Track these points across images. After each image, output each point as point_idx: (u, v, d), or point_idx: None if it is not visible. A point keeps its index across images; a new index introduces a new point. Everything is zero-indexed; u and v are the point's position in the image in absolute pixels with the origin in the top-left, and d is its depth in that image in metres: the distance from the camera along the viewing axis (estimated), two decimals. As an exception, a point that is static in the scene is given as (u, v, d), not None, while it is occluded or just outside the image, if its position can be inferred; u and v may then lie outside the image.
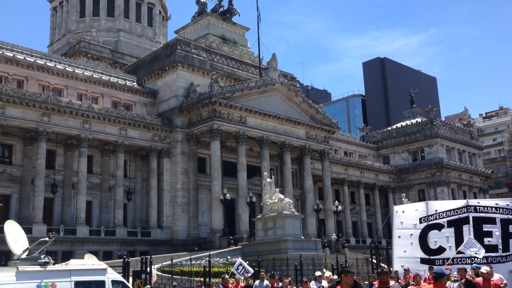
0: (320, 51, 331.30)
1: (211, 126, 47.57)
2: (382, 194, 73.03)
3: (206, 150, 50.39)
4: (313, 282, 14.53)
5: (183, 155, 49.50)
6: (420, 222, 19.50)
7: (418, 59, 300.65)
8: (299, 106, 55.71)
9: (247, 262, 33.00)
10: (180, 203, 48.43)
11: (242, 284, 16.67)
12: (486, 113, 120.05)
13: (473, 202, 19.80)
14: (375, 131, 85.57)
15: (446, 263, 17.14)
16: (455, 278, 14.02)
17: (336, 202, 55.05)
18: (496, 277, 14.21)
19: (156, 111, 52.65)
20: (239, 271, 17.85)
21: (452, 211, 19.26)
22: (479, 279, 12.04)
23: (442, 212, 19.38)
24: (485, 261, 17.77)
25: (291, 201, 39.81)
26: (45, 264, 17.08)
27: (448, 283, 12.82)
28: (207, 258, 30.43)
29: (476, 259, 18.02)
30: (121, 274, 22.13)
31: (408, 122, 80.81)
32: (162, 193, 48.44)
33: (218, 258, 34.57)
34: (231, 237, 44.12)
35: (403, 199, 48.17)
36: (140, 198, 49.17)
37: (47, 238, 18.58)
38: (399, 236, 19.82)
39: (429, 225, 19.26)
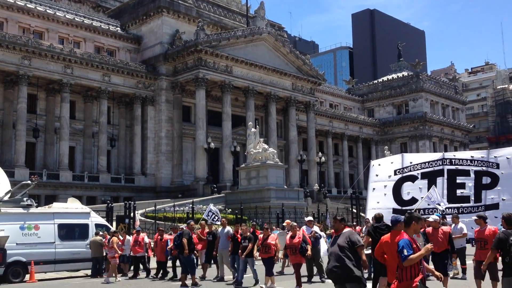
0: (309, 1, 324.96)
1: (197, 74, 47.01)
2: (365, 146, 73.87)
3: (191, 99, 50.01)
4: (304, 226, 14.83)
5: (168, 103, 49.11)
6: (395, 174, 19.68)
7: (408, 12, 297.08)
8: (286, 56, 55.15)
9: (230, 210, 33.65)
10: (164, 151, 48.50)
11: (206, 230, 16.88)
12: (472, 68, 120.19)
13: (449, 155, 20.09)
14: (361, 84, 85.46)
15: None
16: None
17: (320, 154, 55.61)
18: (458, 225, 14.52)
19: (140, 57, 51.68)
20: (209, 217, 18.06)
21: (427, 164, 19.44)
22: (429, 229, 12.26)
23: (417, 164, 19.56)
24: (456, 211, 18.14)
25: (275, 151, 40.14)
26: (28, 206, 17.21)
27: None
28: (191, 205, 30.94)
29: (447, 209, 18.47)
30: (105, 219, 22.44)
31: (394, 76, 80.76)
32: (146, 140, 48.36)
33: (201, 205, 35.02)
34: (215, 186, 44.60)
35: (385, 151, 48.92)
36: (124, 145, 49.05)
37: (29, 181, 18.67)
38: (374, 189, 20.11)
39: (404, 177, 19.43)
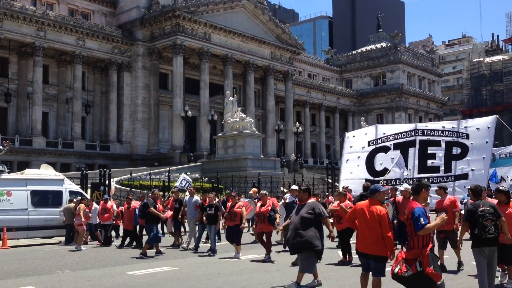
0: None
1: (174, 41, 46.14)
2: (342, 117, 74.32)
3: (168, 66, 49.21)
4: (288, 195, 14.77)
5: (145, 70, 48.23)
6: (369, 145, 19.80)
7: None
8: (265, 25, 54.47)
9: (206, 178, 33.65)
10: (141, 118, 47.89)
11: (173, 197, 16.76)
12: (449, 41, 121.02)
13: (421, 125, 20.06)
14: (340, 54, 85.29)
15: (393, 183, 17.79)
16: (386, 197, 14.44)
17: (297, 124, 55.73)
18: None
19: (116, 22, 50.32)
20: (183, 185, 17.99)
21: (400, 134, 19.50)
22: (399, 197, 12.37)
23: (390, 135, 19.64)
24: (427, 181, 18.69)
25: (253, 120, 40.03)
26: (0, 172, 16.86)
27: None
28: (167, 173, 30.77)
29: (417, 180, 18.81)
30: (79, 186, 22.18)
31: (372, 47, 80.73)
32: (122, 107, 47.60)
33: (178, 174, 34.82)
34: (191, 154, 44.44)
35: (362, 122, 49.25)
36: (99, 112, 48.22)
37: (0, 147, 18.24)
38: (347, 160, 20.23)
39: (377, 148, 19.56)
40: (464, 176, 18.18)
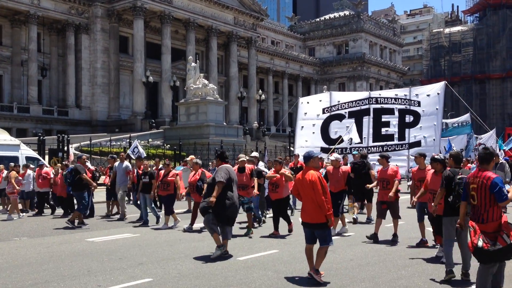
0: None
1: (134, 3, 44.72)
2: (305, 85, 74.61)
3: (129, 29, 47.80)
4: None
5: (104, 33, 46.68)
6: (323, 113, 19.77)
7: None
8: (228, -12, 53.47)
9: (168, 146, 33.35)
10: (100, 83, 46.64)
11: (109, 165, 15.95)
12: (410, 11, 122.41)
13: (375, 93, 20.21)
14: (304, 21, 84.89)
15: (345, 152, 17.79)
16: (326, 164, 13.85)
17: (260, 91, 55.58)
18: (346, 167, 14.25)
19: (73, -19, 48.17)
20: (135, 153, 17.60)
21: (354, 102, 19.54)
22: (330, 167, 11.63)
23: (345, 103, 19.65)
24: (381, 149, 18.38)
25: (215, 87, 39.68)
26: (-50, 137, 16.18)
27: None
28: (128, 140, 30.32)
29: (372, 148, 18.96)
30: (36, 152, 21.58)
31: (336, 15, 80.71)
32: (80, 71, 46.14)
33: (139, 141, 34.41)
34: (153, 121, 43.83)
35: (324, 91, 49.55)
36: (56, 76, 46.61)
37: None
38: (302, 127, 20.15)
39: (331, 116, 19.58)
40: (417, 144, 18.47)
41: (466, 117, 28.27)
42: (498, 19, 77.67)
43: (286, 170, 11.51)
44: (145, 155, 17.61)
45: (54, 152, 23.35)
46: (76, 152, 27.84)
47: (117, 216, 14.41)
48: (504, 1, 76.52)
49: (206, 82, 37.89)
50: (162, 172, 12.62)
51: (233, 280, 6.88)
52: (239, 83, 58.41)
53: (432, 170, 8.15)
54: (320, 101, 20.36)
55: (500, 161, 15.34)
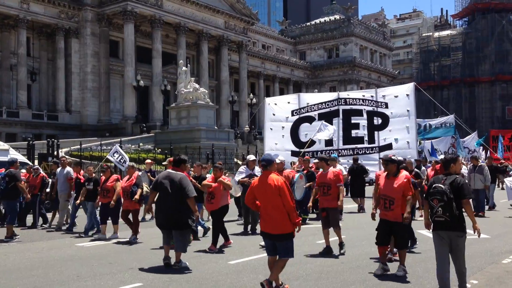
0: None
1: (125, 7, 44.62)
2: (296, 89, 74.57)
3: (119, 33, 47.66)
4: (243, 167, 12.52)
5: (94, 37, 46.51)
6: (292, 115, 19.25)
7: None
8: (219, -7, 53.53)
9: (159, 150, 33.23)
10: (90, 87, 46.41)
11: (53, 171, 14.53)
12: (400, 15, 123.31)
13: (343, 94, 19.74)
14: (294, 25, 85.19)
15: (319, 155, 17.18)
16: (298, 169, 13.87)
17: (251, 95, 55.62)
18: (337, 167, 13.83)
19: (62, -15, 47.97)
20: (115, 158, 15.89)
21: (324, 104, 19.10)
22: (320, 171, 10.43)
23: (314, 105, 19.21)
24: (352, 152, 18.11)
25: (206, 91, 39.64)
26: None
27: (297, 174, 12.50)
28: (118, 144, 30.15)
29: (343, 151, 18.32)
30: (26, 157, 21.39)
31: (326, 19, 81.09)
32: (70, 75, 45.89)
33: (130, 145, 34.35)
34: (144, 125, 43.68)
35: (315, 94, 49.74)
36: (46, 80, 46.32)
37: None
38: (271, 129, 19.58)
39: (301, 118, 19.11)
40: (388, 147, 18.00)
41: (449, 118, 27.95)
42: (486, 23, 78.41)
43: (225, 178, 10.26)
44: (128, 160, 16.07)
45: (44, 157, 23.16)
46: (67, 156, 27.66)
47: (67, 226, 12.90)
48: (492, 5, 77.27)
49: (197, 86, 37.87)
50: (103, 177, 11.49)
51: (223, 284, 6.86)
52: (230, 87, 58.41)
53: (385, 173, 7.41)
54: (289, 103, 19.84)
55: (479, 164, 15.37)
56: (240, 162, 16.32)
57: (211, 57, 57.19)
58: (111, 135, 41.46)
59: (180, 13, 49.38)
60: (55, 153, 23.11)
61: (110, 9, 46.01)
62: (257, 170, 11.70)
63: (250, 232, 11.66)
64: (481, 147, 29.86)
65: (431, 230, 5.93)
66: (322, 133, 17.51)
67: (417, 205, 9.66)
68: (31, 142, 23.80)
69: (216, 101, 52.07)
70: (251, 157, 12.50)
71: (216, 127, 39.57)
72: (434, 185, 5.78)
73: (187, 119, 37.03)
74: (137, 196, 10.50)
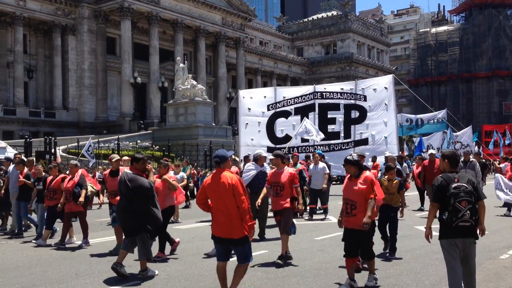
0: None
1: (121, 4, 44.49)
2: (293, 85, 74.50)
3: (116, 30, 47.52)
4: (252, 163, 11.31)
5: (91, 34, 46.37)
6: (268, 110, 18.58)
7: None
8: (216, -11, 53.43)
9: (157, 147, 33.18)
10: (88, 84, 46.32)
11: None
12: (397, 11, 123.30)
13: (319, 87, 18.90)
14: (292, 22, 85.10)
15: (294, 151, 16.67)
16: (310, 163, 13.75)
17: (249, 91, 55.61)
18: (320, 165, 13.38)
19: (59, -18, 47.79)
20: (89, 153, 16.12)
21: (300, 98, 18.40)
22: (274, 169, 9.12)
23: (290, 99, 18.51)
24: (327, 148, 17.39)
25: (204, 88, 39.60)
26: None
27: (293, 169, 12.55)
28: (116, 141, 30.13)
29: (319, 147, 17.47)
30: (23, 154, 21.35)
31: (324, 15, 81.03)
32: (67, 73, 45.79)
33: (128, 142, 34.31)
34: (142, 122, 43.63)
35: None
36: (43, 77, 46.20)
37: None
38: (247, 124, 18.86)
39: (277, 113, 18.45)
40: (364, 142, 17.26)
41: (441, 113, 27.67)
42: (484, 19, 78.46)
43: (171, 176, 9.00)
44: (94, 157, 15.46)
45: (41, 155, 23.10)
46: (64, 154, 27.64)
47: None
48: (489, 1, 77.32)
49: (195, 83, 37.81)
50: (49, 178, 10.44)
51: (222, 281, 6.84)
52: (228, 84, 58.36)
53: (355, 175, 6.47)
54: (265, 97, 19.15)
55: (471, 160, 15.27)
56: (237, 159, 15.81)
57: (209, 54, 57.10)
58: (108, 132, 41.41)
59: (177, 10, 49.26)
60: (53, 150, 23.06)
61: (107, 5, 45.87)
62: (266, 166, 10.95)
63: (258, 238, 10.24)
64: (472, 141, 29.91)
65: (431, 238, 5.28)
66: (311, 135, 16.87)
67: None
68: (28, 139, 23.76)
69: (213, 98, 52.02)
70: (262, 153, 10.89)
71: (213, 124, 39.53)
72: (456, 185, 4.97)
73: (184, 116, 36.98)
74: (81, 199, 9.53)
